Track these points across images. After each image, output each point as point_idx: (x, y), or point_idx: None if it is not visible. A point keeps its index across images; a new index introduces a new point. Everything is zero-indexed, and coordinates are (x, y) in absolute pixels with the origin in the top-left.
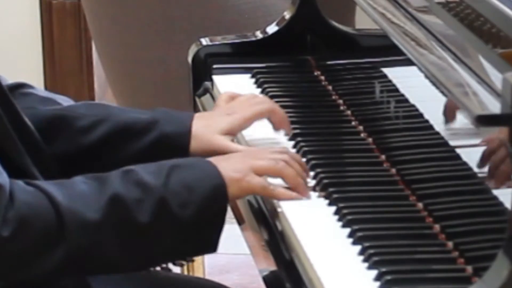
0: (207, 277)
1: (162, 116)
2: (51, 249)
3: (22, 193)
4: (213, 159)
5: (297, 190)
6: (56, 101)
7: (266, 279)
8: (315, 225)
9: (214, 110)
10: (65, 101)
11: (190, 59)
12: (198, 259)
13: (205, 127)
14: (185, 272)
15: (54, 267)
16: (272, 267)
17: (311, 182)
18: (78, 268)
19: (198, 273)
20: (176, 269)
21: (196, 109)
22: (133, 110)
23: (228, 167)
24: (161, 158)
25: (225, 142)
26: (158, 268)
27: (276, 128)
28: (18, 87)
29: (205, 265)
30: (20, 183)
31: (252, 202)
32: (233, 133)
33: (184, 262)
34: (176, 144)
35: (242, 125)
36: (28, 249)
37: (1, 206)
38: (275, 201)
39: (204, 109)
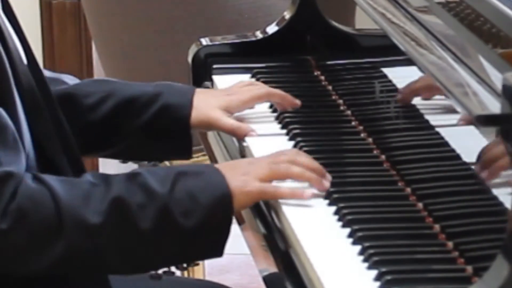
0: (207, 277)
1: (165, 89)
2: (48, 245)
3: (26, 187)
4: (220, 167)
5: (313, 184)
6: (63, 80)
7: (266, 279)
8: (315, 225)
9: (215, 90)
10: (71, 80)
11: (190, 59)
12: None
13: (205, 101)
14: (185, 272)
15: (50, 263)
16: (272, 267)
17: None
18: (75, 266)
19: (198, 273)
20: (175, 269)
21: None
22: (138, 84)
23: (233, 177)
24: (164, 128)
25: (219, 115)
26: (160, 271)
27: (282, 108)
28: None
29: (205, 265)
30: (28, 176)
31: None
32: (229, 111)
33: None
34: (178, 114)
35: (239, 106)
36: (25, 243)
37: (5, 197)
38: (278, 201)
39: None
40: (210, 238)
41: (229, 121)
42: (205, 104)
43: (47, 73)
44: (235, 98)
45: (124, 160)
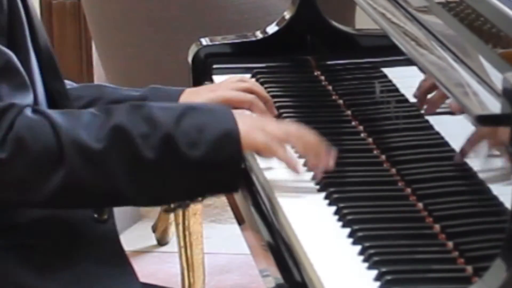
0: (207, 277)
1: (151, 92)
2: (49, 173)
3: (25, 117)
4: (233, 110)
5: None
6: None
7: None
8: (315, 225)
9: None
10: (68, 85)
11: (190, 59)
12: (198, 258)
13: (187, 99)
14: (185, 272)
15: (53, 192)
16: (272, 267)
17: (311, 183)
18: (80, 196)
19: (198, 273)
20: (176, 269)
21: None
22: (126, 88)
23: (243, 121)
24: None
25: None
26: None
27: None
28: None
29: (205, 265)
30: (27, 108)
31: (252, 202)
32: None
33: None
34: None
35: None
36: (26, 172)
37: (2, 127)
38: (278, 201)
39: None
40: (219, 171)
41: None
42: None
43: None
44: (218, 95)
45: None
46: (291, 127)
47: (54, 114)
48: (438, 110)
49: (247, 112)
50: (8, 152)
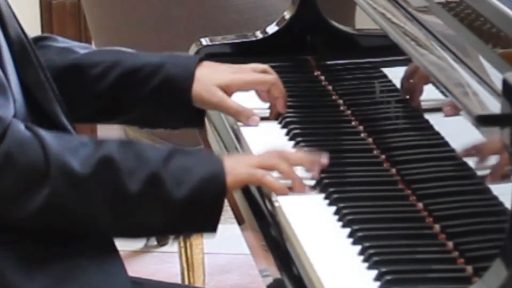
0: (207, 277)
1: (169, 60)
2: (33, 192)
3: (16, 132)
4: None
5: (293, 184)
6: (73, 50)
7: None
8: (315, 225)
9: (220, 64)
10: (83, 48)
11: None
12: (198, 258)
13: (207, 75)
14: (185, 272)
15: (34, 211)
16: (272, 267)
17: (311, 182)
18: (59, 219)
19: (198, 273)
20: (176, 269)
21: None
22: (144, 54)
23: (227, 160)
24: (166, 100)
25: (222, 96)
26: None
27: (264, 98)
28: (39, 39)
29: (205, 265)
30: (19, 124)
31: (252, 202)
32: (230, 89)
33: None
34: (180, 86)
35: (240, 86)
36: (11, 187)
37: None
38: (272, 195)
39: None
40: (201, 212)
41: (233, 104)
42: (208, 79)
43: (60, 43)
44: (239, 77)
45: (139, 127)
46: (271, 152)
47: (46, 135)
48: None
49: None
50: None
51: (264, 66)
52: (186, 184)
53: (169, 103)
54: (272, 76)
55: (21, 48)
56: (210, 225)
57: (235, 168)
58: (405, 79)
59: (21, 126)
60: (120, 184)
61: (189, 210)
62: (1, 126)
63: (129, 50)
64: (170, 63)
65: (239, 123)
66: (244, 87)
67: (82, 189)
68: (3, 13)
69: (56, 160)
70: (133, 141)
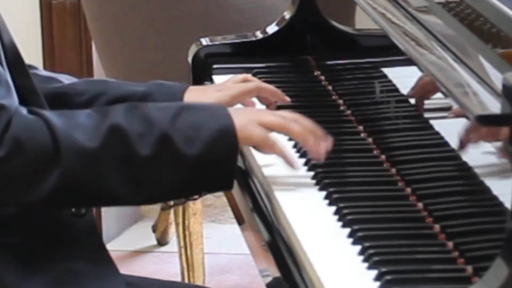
0: (207, 277)
1: (155, 88)
2: (45, 173)
3: (21, 117)
4: (227, 107)
5: (307, 146)
6: (57, 79)
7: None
8: (315, 225)
9: (206, 87)
10: (67, 79)
11: (190, 59)
12: (198, 258)
13: (195, 99)
14: (185, 272)
15: (49, 192)
16: (272, 267)
17: (311, 182)
18: (75, 196)
19: (198, 273)
20: (176, 269)
21: None
22: (130, 83)
23: (238, 116)
24: None
25: None
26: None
27: (268, 103)
28: None
29: (205, 265)
30: (23, 109)
31: (252, 202)
32: None
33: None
34: None
35: (229, 102)
36: (23, 172)
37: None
38: (278, 201)
39: None
40: (216, 168)
41: None
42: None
43: (44, 72)
44: (225, 94)
45: None
46: (286, 114)
47: (50, 114)
48: (437, 109)
49: (241, 106)
50: (5, 151)
51: (243, 75)
52: (197, 141)
53: None
54: (254, 83)
55: (14, 55)
56: (225, 181)
57: (247, 125)
58: (415, 90)
59: (24, 111)
60: (131, 150)
61: (203, 167)
62: (7, 114)
63: (113, 80)
64: (157, 92)
65: None
66: (233, 101)
67: (94, 163)
68: None
69: (64, 138)
70: (138, 104)
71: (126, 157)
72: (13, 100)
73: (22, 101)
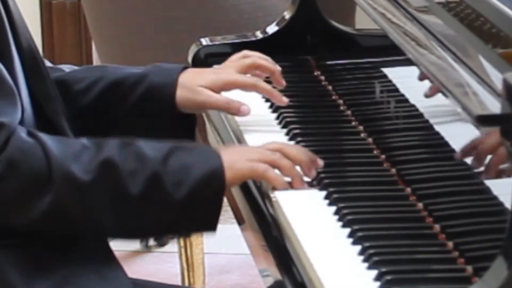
0: (207, 277)
1: (152, 69)
2: (36, 198)
3: (19, 139)
4: (215, 146)
5: (293, 181)
6: (58, 68)
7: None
8: (315, 225)
9: (203, 69)
10: (69, 68)
11: (190, 59)
12: (198, 258)
13: (189, 79)
14: (185, 272)
15: (38, 217)
16: (272, 267)
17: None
18: (62, 224)
19: (198, 273)
20: (176, 269)
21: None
22: (127, 67)
23: (226, 155)
24: (151, 108)
25: (206, 94)
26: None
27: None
28: None
29: (205, 265)
30: (22, 130)
31: (252, 202)
32: (213, 90)
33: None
34: (163, 93)
35: (222, 87)
36: (14, 194)
37: None
38: (270, 190)
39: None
40: (201, 210)
41: (219, 99)
42: (190, 82)
43: (47, 63)
44: (221, 77)
45: None
46: (274, 145)
47: (48, 140)
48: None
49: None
50: None
51: (243, 52)
52: (185, 184)
53: (154, 111)
54: (250, 59)
55: (32, 59)
56: (209, 224)
57: (235, 163)
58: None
59: (23, 133)
60: (122, 187)
61: (189, 210)
62: (6, 133)
63: (111, 64)
64: (153, 72)
65: (240, 126)
66: (227, 87)
67: (84, 195)
68: (15, 23)
69: (59, 167)
70: (132, 140)
71: (116, 193)
72: (15, 118)
73: (38, 108)
